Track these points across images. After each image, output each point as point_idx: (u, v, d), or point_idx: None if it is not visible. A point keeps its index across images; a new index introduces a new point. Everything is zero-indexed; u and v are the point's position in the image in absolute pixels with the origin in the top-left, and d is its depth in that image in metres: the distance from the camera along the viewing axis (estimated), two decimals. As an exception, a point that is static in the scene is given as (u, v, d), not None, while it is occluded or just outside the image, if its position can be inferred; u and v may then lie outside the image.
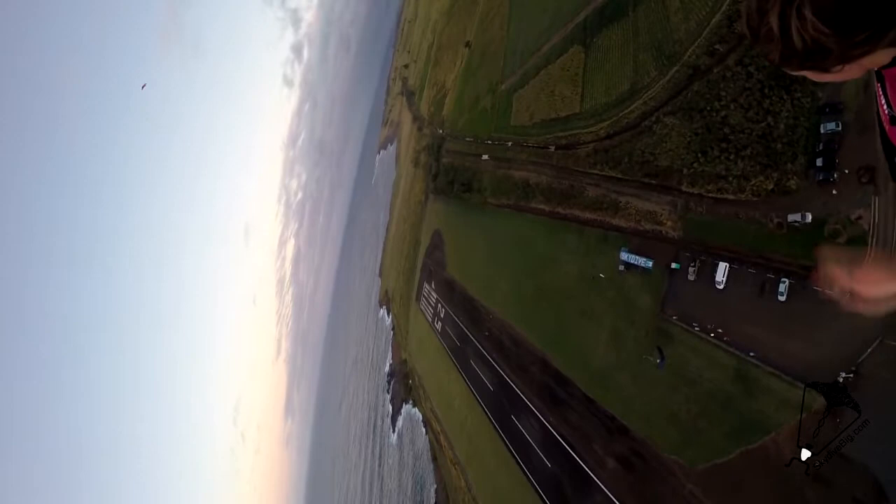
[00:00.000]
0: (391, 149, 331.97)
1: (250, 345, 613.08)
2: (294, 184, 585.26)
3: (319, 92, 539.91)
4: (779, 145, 56.09)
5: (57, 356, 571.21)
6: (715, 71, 66.10)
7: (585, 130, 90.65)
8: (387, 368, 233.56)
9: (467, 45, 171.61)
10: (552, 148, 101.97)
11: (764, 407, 51.79)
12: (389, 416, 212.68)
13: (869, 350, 43.58)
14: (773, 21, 3.05)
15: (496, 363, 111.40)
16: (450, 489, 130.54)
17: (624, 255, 76.09)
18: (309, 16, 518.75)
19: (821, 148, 52.06)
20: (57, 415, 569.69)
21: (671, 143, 70.80)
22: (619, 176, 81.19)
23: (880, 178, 45.67)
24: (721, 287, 59.72)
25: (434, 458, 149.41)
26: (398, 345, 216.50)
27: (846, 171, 49.39)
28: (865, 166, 47.26)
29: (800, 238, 52.35)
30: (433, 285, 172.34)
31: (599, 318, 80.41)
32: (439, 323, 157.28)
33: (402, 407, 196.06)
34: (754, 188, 57.60)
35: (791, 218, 52.94)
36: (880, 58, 3.17)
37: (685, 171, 67.31)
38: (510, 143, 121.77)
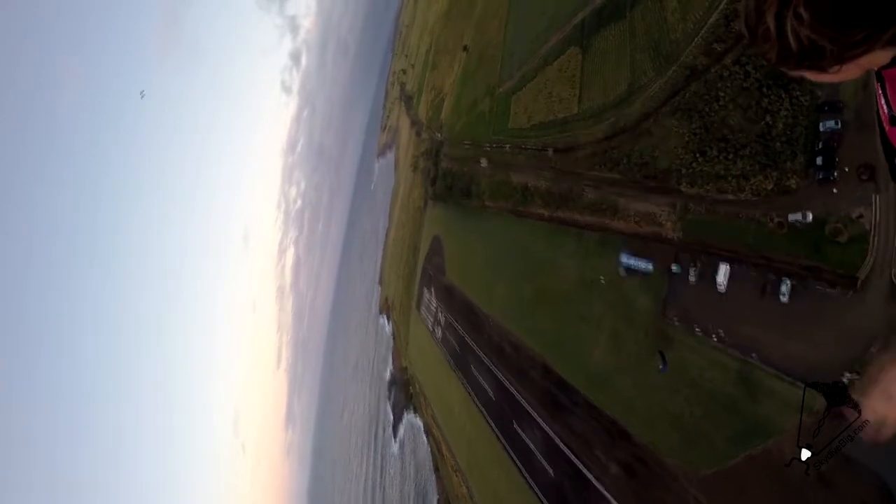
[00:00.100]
0: (390, 154, 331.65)
1: (250, 354, 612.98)
2: (293, 191, 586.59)
3: (318, 98, 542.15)
4: (778, 144, 55.44)
5: (58, 367, 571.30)
6: (713, 71, 65.52)
7: (583, 132, 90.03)
8: (387, 376, 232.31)
9: (465, 48, 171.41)
10: (550, 151, 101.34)
11: (767, 410, 50.94)
12: (391, 424, 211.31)
13: (873, 349, 42.79)
14: (770, 21, 3.04)
15: (496, 369, 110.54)
16: (451, 498, 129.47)
17: (623, 258, 75.28)
18: (307, 22, 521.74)
19: (820, 146, 51.38)
20: (57, 425, 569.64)
21: (670, 144, 70.17)
22: (618, 178, 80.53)
23: (881, 176, 45.03)
24: (722, 288, 58.91)
25: (436, 469, 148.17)
26: (398, 352, 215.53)
27: (846, 170, 48.71)
28: (865, 164, 46.59)
29: (801, 237, 51.63)
30: (433, 291, 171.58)
31: (599, 321, 79.58)
32: (439, 330, 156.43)
33: (403, 415, 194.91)
34: (754, 188, 56.92)
35: (791, 217, 52.22)
36: (879, 58, 3.13)
37: (684, 171, 66.63)
38: (508, 147, 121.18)
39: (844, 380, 43.72)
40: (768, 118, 56.72)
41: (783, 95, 55.81)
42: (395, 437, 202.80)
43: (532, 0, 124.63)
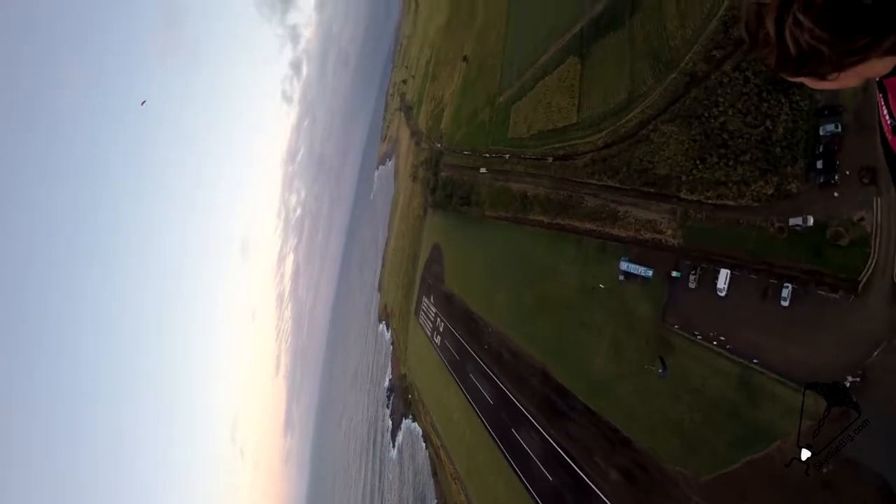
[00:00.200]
0: (390, 164, 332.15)
1: (249, 361, 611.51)
2: (293, 199, 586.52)
3: (318, 108, 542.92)
4: (778, 149, 55.61)
5: (58, 367, 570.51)
6: (712, 77, 65.91)
7: (583, 141, 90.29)
8: (386, 383, 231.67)
9: (465, 59, 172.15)
10: (550, 159, 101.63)
11: (769, 415, 50.78)
12: (389, 431, 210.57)
13: (875, 353, 42.73)
14: (770, 26, 3.03)
15: (495, 376, 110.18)
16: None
17: (623, 265, 75.32)
18: (308, 32, 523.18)
19: (821, 150, 51.58)
20: (57, 426, 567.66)
21: (669, 151, 70.37)
22: (618, 185, 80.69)
23: (882, 179, 45.13)
24: (723, 294, 58.91)
25: (434, 474, 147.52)
26: (397, 359, 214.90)
27: (847, 173, 48.85)
28: (866, 167, 46.72)
29: (802, 242, 51.69)
30: (432, 299, 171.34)
31: (599, 328, 79.46)
32: (438, 337, 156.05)
33: (401, 422, 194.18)
34: (754, 193, 57.05)
35: (792, 222, 52.31)
36: (878, 67, 3.12)
37: (684, 178, 66.81)
38: (508, 156, 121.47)
39: (847, 383, 43.63)
40: (768, 123, 56.95)
41: (783, 100, 56.07)
42: (393, 443, 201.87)
43: (531, 10, 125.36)
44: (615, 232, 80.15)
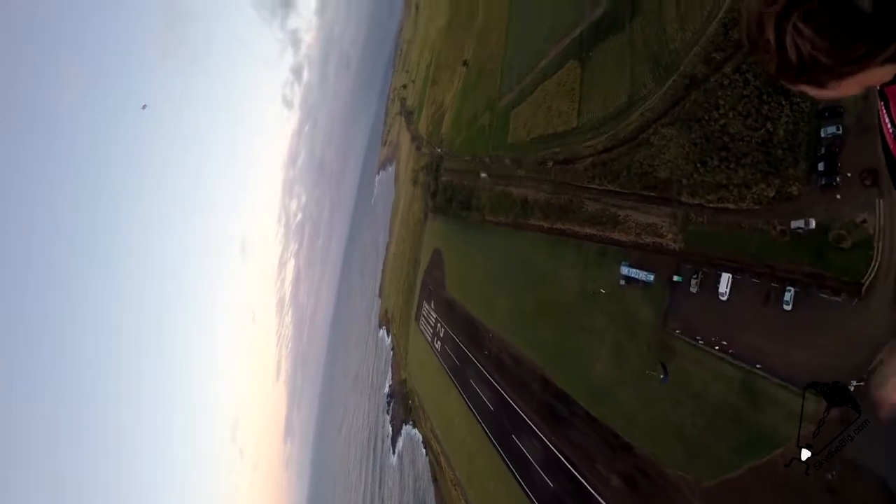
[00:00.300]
0: (390, 169, 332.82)
1: (249, 365, 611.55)
2: (294, 204, 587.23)
3: (319, 113, 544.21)
4: (779, 151, 55.17)
5: (58, 367, 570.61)
6: (712, 80, 65.51)
7: (583, 145, 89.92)
8: (387, 389, 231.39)
9: (465, 63, 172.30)
10: (550, 163, 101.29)
11: (772, 420, 50.17)
12: (389, 436, 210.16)
13: (878, 357, 42.19)
14: (770, 33, 3.02)
15: (496, 382, 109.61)
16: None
17: (624, 269, 74.85)
18: (308, 37, 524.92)
19: (822, 152, 51.12)
20: (57, 426, 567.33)
21: (670, 154, 69.97)
22: (618, 189, 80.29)
23: (884, 180, 44.69)
24: (724, 298, 58.38)
25: (434, 479, 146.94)
26: (398, 365, 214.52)
27: (849, 175, 48.40)
28: (868, 169, 46.28)
29: (804, 245, 51.20)
30: (433, 304, 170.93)
31: (600, 333, 78.92)
32: (439, 342, 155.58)
33: (402, 427, 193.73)
34: (756, 196, 56.58)
35: (794, 224, 51.82)
36: (879, 75, 3.08)
37: (685, 181, 66.37)
38: (508, 160, 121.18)
39: (850, 387, 43.07)
40: (769, 125, 56.53)
41: (783, 102, 55.66)
42: (393, 449, 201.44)
43: (531, 15, 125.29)
44: (616, 236, 79.71)
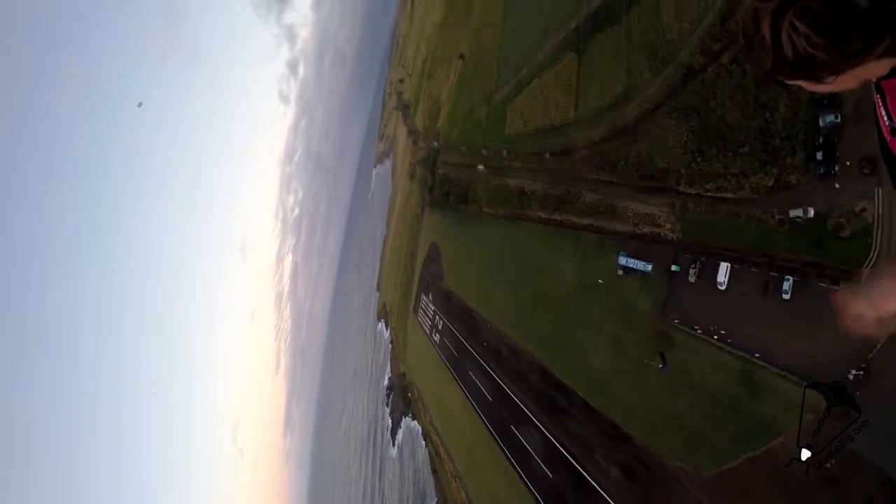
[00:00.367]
0: (387, 163, 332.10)
1: (249, 361, 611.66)
2: (291, 199, 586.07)
3: (315, 108, 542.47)
4: (777, 141, 55.00)
5: (58, 367, 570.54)
6: (709, 70, 65.19)
7: (580, 136, 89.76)
8: (386, 382, 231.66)
9: (461, 56, 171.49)
10: (547, 155, 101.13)
11: (771, 409, 50.23)
12: (389, 429, 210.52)
13: (878, 346, 42.20)
14: (766, 30, 3.03)
15: (494, 373, 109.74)
16: (450, 502, 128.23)
17: (622, 260, 74.75)
18: (304, 32, 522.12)
19: (820, 141, 50.90)
20: (57, 425, 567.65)
21: (667, 144, 69.79)
22: (616, 180, 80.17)
23: (882, 169, 44.53)
24: (723, 288, 58.33)
25: (434, 471, 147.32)
26: (397, 358, 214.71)
27: (847, 164, 48.25)
28: (867, 157, 46.17)
29: (803, 234, 51.11)
30: (430, 297, 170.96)
31: (599, 324, 78.95)
32: (437, 335, 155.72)
33: (401, 420, 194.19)
34: (754, 185, 56.46)
35: (793, 213, 51.70)
36: (876, 69, 3.12)
37: (682, 171, 66.22)
38: (505, 153, 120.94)
39: (850, 376, 43.14)
40: (767, 115, 56.29)
41: (781, 91, 55.40)
42: (393, 441, 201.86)
43: (527, 7, 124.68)
44: (613, 227, 79.65)
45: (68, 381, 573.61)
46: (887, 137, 3.97)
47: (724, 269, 58.36)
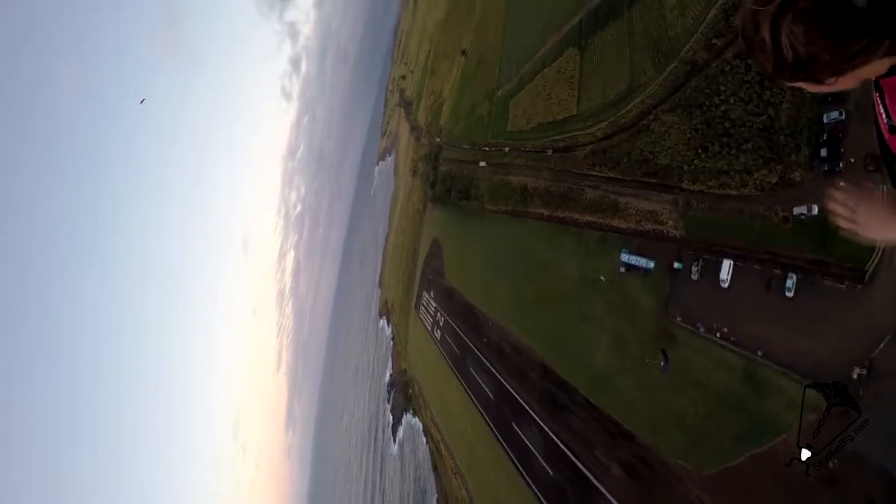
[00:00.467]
0: (390, 159, 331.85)
1: (250, 358, 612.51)
2: (293, 196, 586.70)
3: (318, 105, 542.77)
4: (781, 137, 54.61)
5: (58, 367, 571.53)
6: (713, 66, 64.83)
7: (583, 132, 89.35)
8: (387, 378, 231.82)
9: (463, 53, 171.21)
10: (550, 151, 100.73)
11: (774, 407, 49.89)
12: (390, 426, 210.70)
13: (882, 344, 41.86)
14: (766, 33, 3.04)
15: (496, 370, 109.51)
16: (451, 499, 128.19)
17: (624, 257, 74.42)
18: (307, 29, 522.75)
19: (825, 138, 50.50)
20: (57, 425, 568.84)
21: (670, 141, 69.42)
22: (618, 176, 79.77)
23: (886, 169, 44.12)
24: (726, 285, 57.97)
25: (435, 468, 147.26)
26: (398, 354, 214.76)
27: (852, 160, 47.84)
28: (871, 154, 45.77)
29: (806, 231, 50.72)
30: (432, 294, 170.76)
31: (601, 321, 78.62)
32: (438, 331, 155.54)
33: (402, 417, 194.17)
34: (757, 182, 56.07)
35: (797, 211, 51.32)
36: (876, 68, 3.15)
37: (685, 168, 65.84)
38: (507, 149, 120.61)
39: (854, 374, 42.81)
40: (771, 111, 55.94)
41: (785, 88, 55.06)
42: (394, 438, 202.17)
43: (529, 4, 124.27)
44: (616, 224, 79.25)
45: (68, 379, 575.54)
46: (886, 135, 4.01)
47: (727, 266, 57.98)
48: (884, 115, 3.90)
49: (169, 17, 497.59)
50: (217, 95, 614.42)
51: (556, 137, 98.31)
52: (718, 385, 56.85)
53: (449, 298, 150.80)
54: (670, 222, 68.22)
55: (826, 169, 49.90)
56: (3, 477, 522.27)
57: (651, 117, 73.53)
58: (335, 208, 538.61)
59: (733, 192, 58.94)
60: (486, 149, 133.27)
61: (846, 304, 45.92)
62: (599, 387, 76.35)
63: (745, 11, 3.17)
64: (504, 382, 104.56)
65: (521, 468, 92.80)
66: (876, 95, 3.86)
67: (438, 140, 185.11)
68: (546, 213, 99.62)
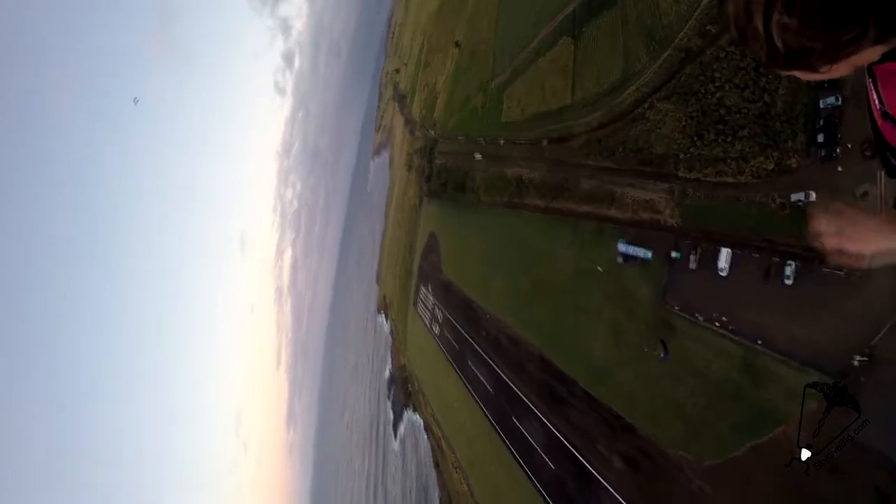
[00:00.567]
0: (385, 154, 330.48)
1: (250, 356, 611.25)
2: (289, 193, 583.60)
3: (312, 100, 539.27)
4: (777, 124, 53.95)
5: (58, 367, 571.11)
6: (708, 52, 64.05)
7: (577, 122, 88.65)
8: (387, 374, 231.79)
9: (457, 44, 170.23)
10: (545, 142, 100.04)
11: (774, 396, 49.45)
12: (391, 422, 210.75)
13: (882, 331, 41.37)
14: (759, 22, 3.00)
15: (494, 364, 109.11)
16: (452, 494, 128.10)
17: (621, 247, 73.80)
18: (299, 24, 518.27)
19: (821, 123, 49.85)
20: (57, 425, 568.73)
21: (666, 129, 68.72)
22: (614, 166, 79.12)
23: (884, 152, 43.54)
24: (724, 274, 57.39)
25: (436, 464, 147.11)
26: (397, 350, 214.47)
27: (849, 146, 47.24)
28: (868, 139, 45.06)
29: (805, 218, 50.08)
30: (430, 289, 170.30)
31: (598, 312, 78.13)
32: (437, 326, 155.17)
33: (403, 413, 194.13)
34: (754, 169, 55.44)
35: (794, 197, 50.72)
36: (869, 55, 3.09)
37: (681, 156, 65.15)
38: (502, 141, 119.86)
39: (854, 362, 42.34)
40: (766, 97, 55.27)
41: (781, 75, 54.31)
42: (395, 434, 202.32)
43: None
44: (612, 213, 78.61)
45: (68, 378, 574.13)
46: (879, 122, 4.00)
47: (724, 254, 57.41)
48: (877, 102, 3.90)
49: (162, 15, 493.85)
50: (210, 92, 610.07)
51: (551, 128, 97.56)
52: (718, 374, 56.40)
53: (446, 293, 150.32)
54: (667, 211, 67.61)
55: (823, 155, 49.28)
56: (2, 477, 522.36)
57: (646, 105, 72.79)
58: (331, 205, 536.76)
59: (730, 180, 58.30)
60: (481, 141, 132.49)
61: (845, 291, 45.36)
62: (598, 378, 75.93)
63: (737, 1, 3.07)
64: (503, 375, 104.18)
65: (521, 461, 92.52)
66: (869, 82, 3.87)
67: (433, 133, 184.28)
68: (542, 204, 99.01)
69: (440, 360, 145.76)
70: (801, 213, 50.73)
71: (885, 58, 3.18)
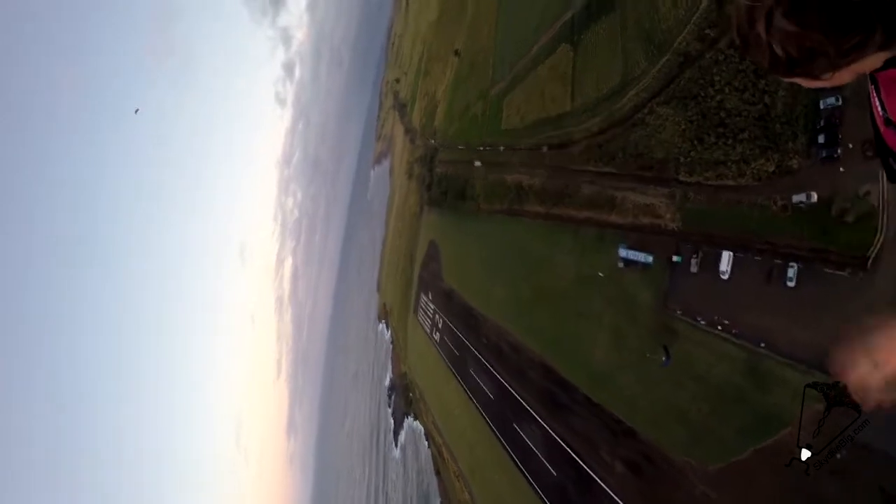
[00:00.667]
0: (385, 163, 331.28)
1: (250, 365, 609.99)
2: (290, 202, 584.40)
3: (312, 110, 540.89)
4: (778, 125, 53.88)
5: (57, 369, 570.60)
6: (707, 56, 64.10)
7: (577, 128, 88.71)
8: (387, 382, 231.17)
9: (456, 53, 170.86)
10: (544, 148, 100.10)
11: (778, 399, 48.98)
12: (392, 430, 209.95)
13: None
14: (761, 30, 3.01)
15: (495, 371, 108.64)
16: (454, 502, 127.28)
17: (622, 252, 73.61)
18: (300, 34, 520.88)
19: (822, 124, 49.76)
20: (57, 427, 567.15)
21: (666, 133, 68.69)
22: (614, 171, 79.08)
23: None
24: (726, 277, 57.11)
25: (437, 472, 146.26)
26: (398, 358, 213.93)
27: (850, 146, 47.12)
28: (870, 140, 44.87)
29: (806, 219, 49.92)
30: (430, 296, 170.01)
31: (599, 317, 77.80)
32: (437, 334, 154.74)
33: (403, 420, 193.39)
34: (755, 172, 55.31)
35: (796, 199, 50.52)
36: (871, 62, 3.13)
37: (682, 160, 65.07)
38: (502, 148, 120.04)
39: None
40: (766, 99, 55.23)
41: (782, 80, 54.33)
42: (396, 442, 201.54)
43: (521, 1, 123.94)
44: (613, 219, 78.45)
45: (68, 385, 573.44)
46: (881, 128, 4.01)
47: (726, 257, 57.17)
48: (879, 109, 3.89)
49: (161, 23, 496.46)
50: (211, 101, 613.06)
51: (551, 134, 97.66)
52: (720, 378, 56.01)
53: (447, 300, 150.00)
54: (668, 215, 67.43)
55: (824, 155, 49.15)
56: (2, 477, 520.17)
57: (646, 110, 72.85)
58: (332, 214, 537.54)
59: (731, 183, 58.17)
60: (481, 148, 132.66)
61: (848, 292, 45.11)
62: (600, 384, 75.48)
63: (739, 7, 3.08)
64: (504, 382, 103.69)
65: (523, 469, 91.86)
66: (871, 89, 3.86)
67: (433, 142, 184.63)
68: (542, 210, 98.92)
69: (441, 367, 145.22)
70: (803, 215, 50.52)
71: (887, 64, 3.19)
